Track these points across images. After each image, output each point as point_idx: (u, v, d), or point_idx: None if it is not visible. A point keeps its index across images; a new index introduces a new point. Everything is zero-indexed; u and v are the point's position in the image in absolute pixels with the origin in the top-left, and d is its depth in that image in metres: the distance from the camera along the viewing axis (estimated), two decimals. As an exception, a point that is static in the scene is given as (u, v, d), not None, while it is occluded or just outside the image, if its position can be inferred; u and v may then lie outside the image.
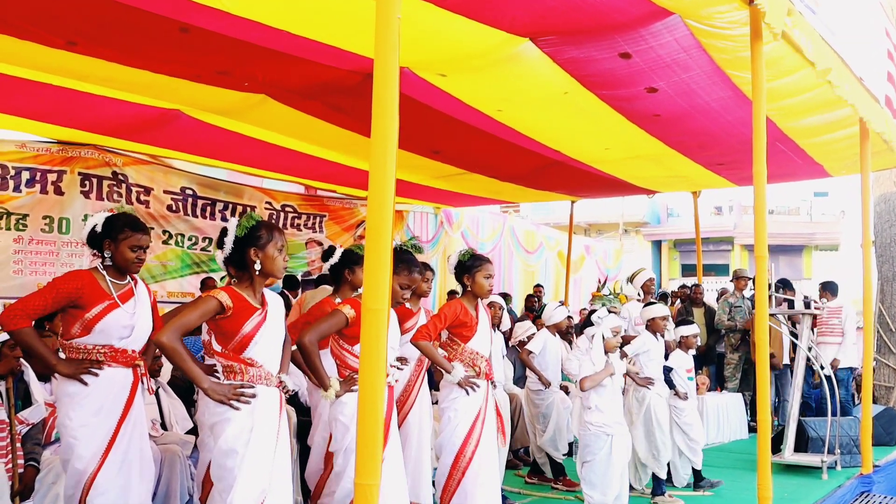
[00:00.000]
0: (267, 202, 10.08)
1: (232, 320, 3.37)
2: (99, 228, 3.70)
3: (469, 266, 4.68)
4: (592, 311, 5.38)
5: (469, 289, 4.68)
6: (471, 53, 5.17)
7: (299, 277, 9.77)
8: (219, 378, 3.39)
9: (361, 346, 2.64)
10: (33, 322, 3.58)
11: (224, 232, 3.55)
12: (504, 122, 6.48)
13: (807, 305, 8.18)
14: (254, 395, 3.33)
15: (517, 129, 6.70)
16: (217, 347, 3.42)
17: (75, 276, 3.65)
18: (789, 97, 5.73)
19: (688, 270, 25.89)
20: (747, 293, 9.79)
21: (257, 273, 3.46)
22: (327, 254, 4.97)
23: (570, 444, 6.71)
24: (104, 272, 3.68)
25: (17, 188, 7.73)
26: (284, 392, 3.54)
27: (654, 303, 6.84)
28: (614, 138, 6.95)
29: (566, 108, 6.08)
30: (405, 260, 4.16)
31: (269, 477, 3.31)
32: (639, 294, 8.16)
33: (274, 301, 3.58)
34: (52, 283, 3.65)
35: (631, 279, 8.40)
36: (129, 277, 3.77)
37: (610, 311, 5.27)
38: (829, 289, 9.35)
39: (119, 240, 3.67)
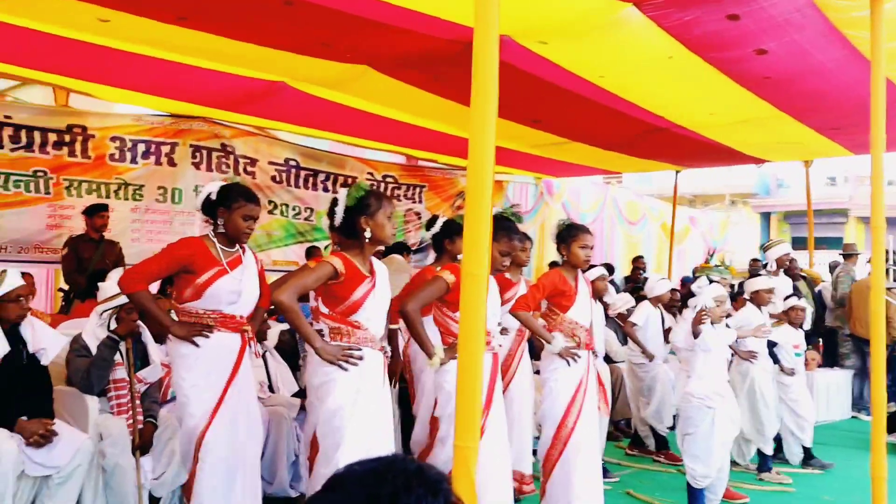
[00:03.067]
0: (368, 173, 10.20)
1: (343, 286, 3.49)
2: (214, 196, 3.83)
3: (565, 236, 4.62)
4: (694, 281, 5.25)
5: (566, 258, 4.64)
6: (572, 20, 5.08)
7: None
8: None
9: (461, 309, 2.65)
10: (149, 285, 3.76)
11: (335, 202, 3.65)
12: (606, 87, 6.34)
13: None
14: (361, 358, 3.43)
15: (619, 95, 6.55)
16: (325, 310, 3.53)
17: (188, 243, 3.81)
18: (915, 58, 5.40)
19: (798, 243, 24.86)
20: (858, 267, 9.37)
21: (367, 241, 3.56)
22: (430, 223, 5.01)
23: (675, 417, 6.60)
24: (215, 239, 3.82)
25: (133, 160, 8.08)
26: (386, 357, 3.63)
27: (760, 275, 6.63)
28: (720, 102, 6.70)
29: (670, 72, 5.90)
30: (505, 227, 4.14)
31: (374, 437, 3.39)
32: (771, 267, 7.96)
33: (381, 270, 3.69)
34: (166, 248, 3.81)
35: (766, 248, 8.20)
36: (238, 246, 3.90)
37: (711, 281, 5.10)
38: None
39: (233, 209, 3.79)
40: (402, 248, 9.02)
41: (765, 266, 8.21)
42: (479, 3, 2.76)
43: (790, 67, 5.66)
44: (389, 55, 5.95)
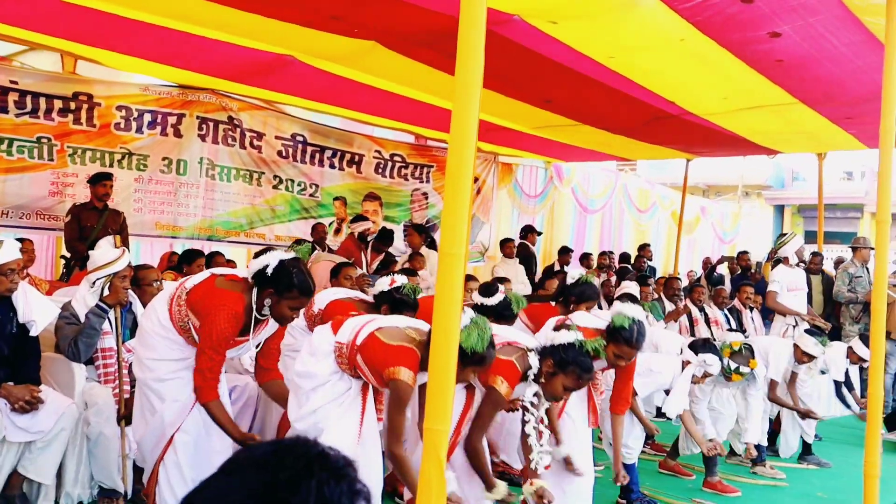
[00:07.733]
0: (376, 150, 10.14)
1: None
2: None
3: (607, 335, 4.07)
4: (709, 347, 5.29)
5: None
6: (582, 1, 4.98)
7: (402, 227, 9.78)
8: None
9: (437, 291, 2.52)
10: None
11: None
12: (616, 69, 6.23)
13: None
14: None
15: (629, 78, 6.44)
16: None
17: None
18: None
19: (811, 237, 24.67)
20: (871, 264, 9.20)
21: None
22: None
23: (658, 409, 6.46)
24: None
25: (139, 130, 8.04)
26: None
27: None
28: (733, 86, 6.57)
29: (682, 55, 5.79)
30: (579, 362, 3.57)
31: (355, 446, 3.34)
32: (793, 261, 8.02)
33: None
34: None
35: (780, 247, 8.23)
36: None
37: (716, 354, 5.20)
38: None
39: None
40: (420, 230, 8.96)
41: (779, 261, 8.15)
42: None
43: (804, 51, 5.53)
44: (399, 31, 5.86)
